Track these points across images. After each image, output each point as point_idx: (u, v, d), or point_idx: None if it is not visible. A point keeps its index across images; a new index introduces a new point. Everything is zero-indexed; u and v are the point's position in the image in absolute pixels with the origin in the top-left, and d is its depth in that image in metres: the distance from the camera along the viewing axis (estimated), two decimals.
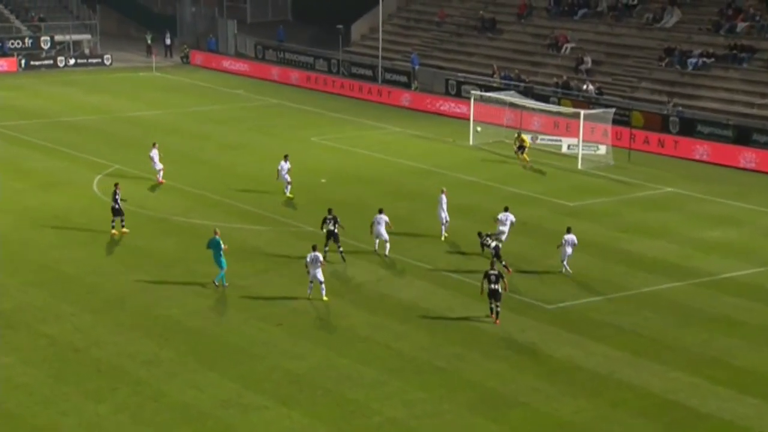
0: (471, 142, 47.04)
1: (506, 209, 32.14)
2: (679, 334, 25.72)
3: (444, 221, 32.98)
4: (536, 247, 32.30)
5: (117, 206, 31.91)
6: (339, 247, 30.22)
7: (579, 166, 43.26)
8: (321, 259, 27.08)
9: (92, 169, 40.45)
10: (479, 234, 30.23)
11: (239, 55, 69.78)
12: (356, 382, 22.71)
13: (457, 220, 34.78)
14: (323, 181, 39.96)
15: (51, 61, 65.66)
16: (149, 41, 70.79)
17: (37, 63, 65.09)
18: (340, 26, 62.85)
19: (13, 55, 64.60)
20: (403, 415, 21.32)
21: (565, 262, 29.67)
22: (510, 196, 38.69)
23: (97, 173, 39.89)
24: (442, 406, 21.78)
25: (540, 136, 47.72)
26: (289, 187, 36.84)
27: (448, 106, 54.33)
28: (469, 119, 48.10)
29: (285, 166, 37.08)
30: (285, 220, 34.63)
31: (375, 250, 30.43)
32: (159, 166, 38.36)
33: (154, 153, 38.49)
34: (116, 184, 32.65)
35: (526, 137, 44.01)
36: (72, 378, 22.47)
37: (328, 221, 30.28)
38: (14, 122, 48.99)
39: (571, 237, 29.65)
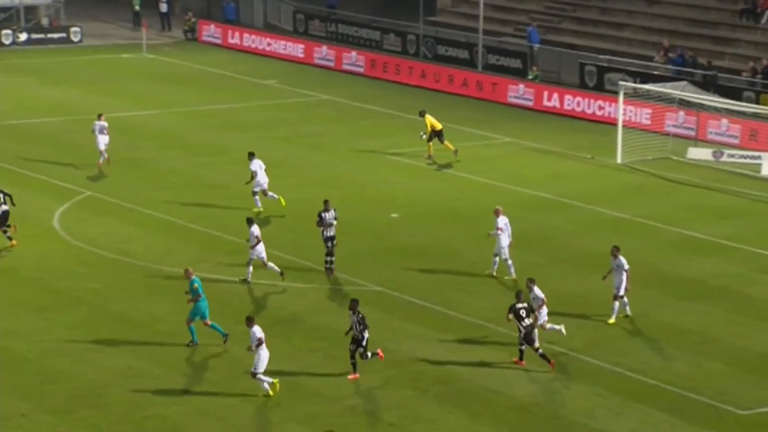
0: (619, 160, 46.80)
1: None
2: None
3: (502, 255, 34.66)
4: (724, 322, 31.97)
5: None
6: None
7: None
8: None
9: (53, 197, 41.19)
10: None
11: (270, 28, 70.71)
12: None
13: (596, 279, 34.45)
14: (394, 216, 40.05)
15: None
16: (137, 6, 72.19)
17: None
18: None
19: None
20: None
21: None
22: (679, 241, 38.32)
23: (60, 203, 40.60)
24: None
25: (726, 151, 47.29)
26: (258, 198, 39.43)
27: (585, 104, 54.22)
28: (616, 124, 47.91)
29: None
30: (337, 274, 34.81)
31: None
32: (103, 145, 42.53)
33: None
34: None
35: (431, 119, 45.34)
36: None
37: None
38: None
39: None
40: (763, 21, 57.19)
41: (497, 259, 34.87)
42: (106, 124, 43.98)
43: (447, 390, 28.19)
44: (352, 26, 67.47)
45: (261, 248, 33.82)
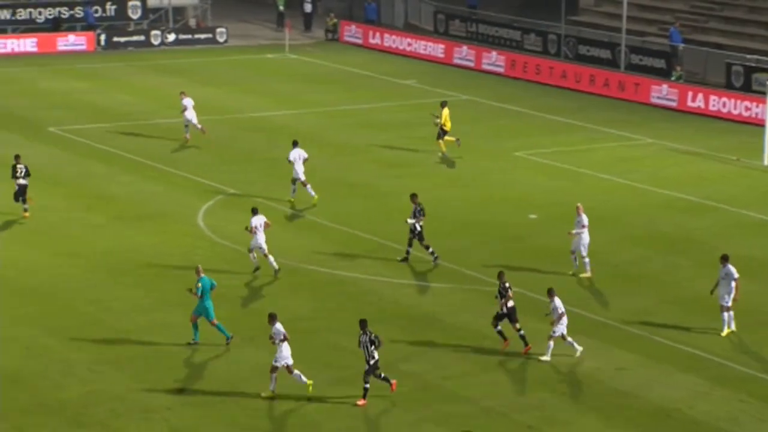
0: (766, 162, 46.11)
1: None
2: None
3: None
4: None
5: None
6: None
7: None
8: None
9: (198, 195, 41.86)
10: None
11: (410, 28, 70.92)
12: None
13: (745, 282, 33.93)
14: (533, 217, 39.92)
15: (142, 37, 68.58)
16: (281, 7, 72.98)
17: (122, 40, 68.11)
18: None
19: (90, 29, 67.68)
20: None
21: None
22: None
23: (204, 201, 41.25)
24: None
25: None
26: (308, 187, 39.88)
27: (731, 104, 53.42)
28: (763, 125, 47.16)
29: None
30: (473, 273, 34.77)
31: None
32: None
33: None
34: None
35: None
36: None
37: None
38: (88, 125, 51.33)
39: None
40: None
41: (584, 258, 34.50)
42: (191, 100, 47.51)
43: (582, 392, 28.06)
44: (493, 26, 67.38)
45: (262, 239, 34.14)
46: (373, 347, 27.07)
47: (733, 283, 31.13)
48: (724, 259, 31.41)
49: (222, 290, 32.77)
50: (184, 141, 48.03)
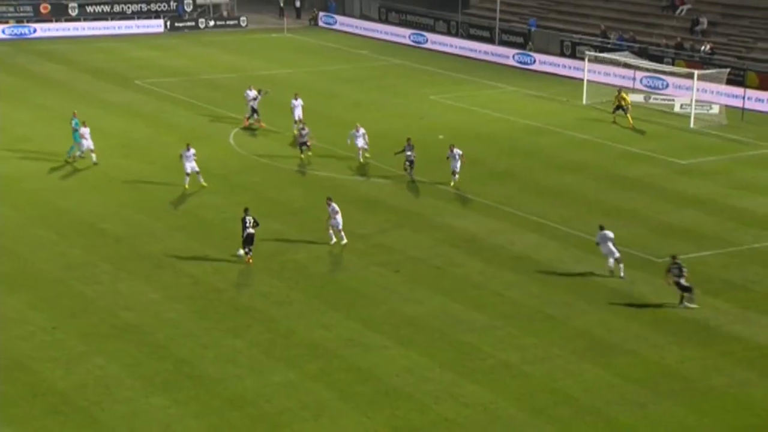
0: (584, 102, 46.09)
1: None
2: None
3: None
4: (647, 204, 31.61)
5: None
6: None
7: (691, 125, 41.91)
8: (337, 209, 27.19)
9: (229, 124, 41.47)
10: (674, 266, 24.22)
11: (364, 17, 69.89)
12: (470, 326, 22.90)
13: (568, 177, 34.33)
14: (441, 137, 39.92)
15: (193, 23, 67.32)
16: (281, 4, 71.66)
17: (180, 24, 66.83)
18: None
19: (159, 17, 66.60)
20: (515, 359, 21.41)
21: (611, 261, 25.29)
22: (622, 153, 37.88)
23: (233, 127, 40.87)
24: (552, 351, 21.76)
25: (652, 96, 46.40)
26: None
27: (564, 66, 53.24)
28: (583, 79, 47.07)
29: (297, 103, 38.49)
30: (405, 174, 34.81)
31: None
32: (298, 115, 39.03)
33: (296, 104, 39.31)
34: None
35: (626, 95, 42.39)
36: (212, 315, 23.38)
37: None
38: (160, 80, 50.54)
39: (604, 234, 25.41)
40: (678, 12, 55.68)
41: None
42: (301, 101, 39.61)
43: (471, 246, 28.11)
44: (416, 15, 66.39)
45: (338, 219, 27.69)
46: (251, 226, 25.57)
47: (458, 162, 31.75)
48: (451, 147, 32.05)
49: (246, 185, 32.47)
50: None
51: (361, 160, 35.63)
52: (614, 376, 20.76)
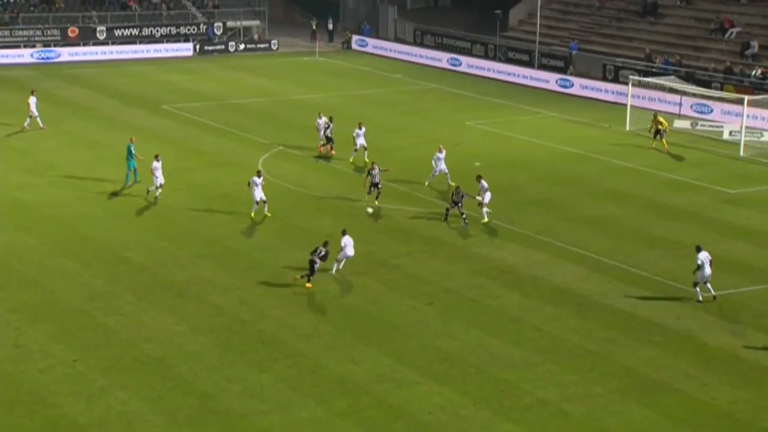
0: (627, 128, 45.82)
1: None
2: None
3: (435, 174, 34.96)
4: (694, 234, 31.20)
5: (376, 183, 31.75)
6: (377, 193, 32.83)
7: (741, 153, 41.46)
8: (351, 242, 27.17)
9: (258, 149, 41.70)
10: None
11: (398, 40, 70.23)
12: (507, 362, 22.63)
13: (610, 206, 34.03)
14: (477, 164, 39.81)
15: (222, 46, 68.01)
16: (314, 27, 72.24)
17: (209, 48, 67.52)
18: (498, 12, 62.26)
19: (188, 41, 67.26)
20: (554, 397, 21.10)
21: (707, 285, 25.91)
22: (667, 182, 37.54)
23: (262, 153, 41.09)
24: (594, 389, 21.41)
25: (700, 122, 46.03)
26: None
27: (606, 91, 53.06)
28: (627, 105, 46.83)
29: (360, 132, 38.28)
30: (440, 202, 34.73)
31: None
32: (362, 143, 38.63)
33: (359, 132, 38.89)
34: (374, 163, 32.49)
35: (664, 119, 42.16)
36: (237, 347, 23.33)
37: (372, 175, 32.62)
38: (188, 104, 51.02)
39: (705, 255, 25.84)
40: (728, 36, 55.33)
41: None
42: (325, 119, 40.05)
43: (511, 277, 27.90)
44: (452, 39, 66.72)
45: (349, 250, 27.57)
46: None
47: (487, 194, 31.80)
48: (478, 178, 32.12)
49: (273, 211, 32.63)
50: (328, 152, 40.03)
51: (450, 183, 35.43)
52: (660, 416, 20.38)
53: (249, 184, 32.63)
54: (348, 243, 27.45)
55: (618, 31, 61.46)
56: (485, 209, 32.14)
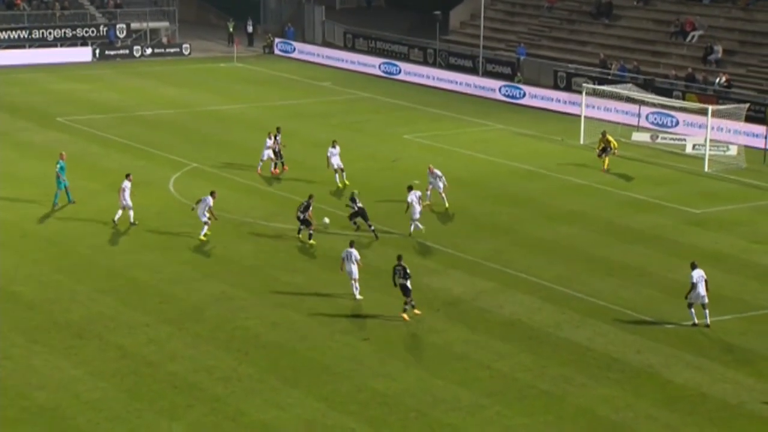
0: (581, 141, 46.53)
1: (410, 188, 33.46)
2: None
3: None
4: (657, 260, 31.74)
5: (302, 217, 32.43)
6: (369, 225, 33.09)
7: (706, 169, 42.39)
8: (357, 257, 27.99)
9: (169, 168, 41.37)
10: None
11: (327, 44, 70.47)
12: (452, 405, 22.69)
13: (565, 228, 34.48)
14: (416, 182, 39.95)
15: (126, 51, 67.42)
16: (231, 29, 72.08)
17: (111, 53, 66.92)
18: (438, 13, 62.93)
19: (86, 45, 66.54)
20: None
21: (705, 311, 26.58)
22: (626, 201, 38.15)
23: (174, 172, 40.78)
24: None
25: (660, 135, 46.99)
26: (344, 174, 38.39)
27: (558, 100, 53.83)
28: (581, 115, 47.55)
29: (334, 151, 38.74)
30: (376, 224, 34.78)
31: None
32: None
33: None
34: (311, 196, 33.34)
35: (612, 138, 42.55)
36: (145, 394, 23.02)
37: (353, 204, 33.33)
38: (87, 116, 50.45)
39: (699, 273, 26.54)
40: (689, 39, 56.68)
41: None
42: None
43: (454, 309, 28.15)
44: (387, 43, 67.15)
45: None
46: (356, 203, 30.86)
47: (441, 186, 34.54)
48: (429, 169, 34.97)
49: (188, 239, 32.37)
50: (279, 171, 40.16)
51: (339, 184, 37.84)
52: None
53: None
54: (349, 256, 28.09)
55: (570, 35, 62.55)
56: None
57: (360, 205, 33.27)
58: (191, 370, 24.15)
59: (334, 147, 39.12)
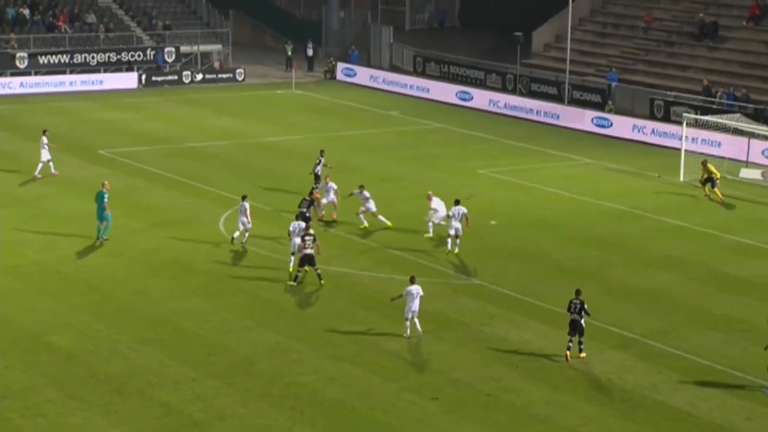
0: (681, 178, 46.14)
1: (457, 202, 35.77)
2: None
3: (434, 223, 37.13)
4: (767, 313, 31.28)
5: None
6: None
7: None
8: (421, 293, 28.76)
9: (220, 205, 41.84)
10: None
11: (395, 69, 71.03)
12: None
13: (661, 276, 34.13)
14: (493, 223, 39.94)
15: (175, 77, 68.66)
16: (289, 53, 73.07)
17: (159, 78, 68.16)
18: (519, 34, 63.09)
19: (132, 70, 67.85)
20: None
21: None
22: (733, 246, 37.69)
23: (225, 209, 41.23)
24: None
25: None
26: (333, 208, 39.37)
27: (654, 131, 53.57)
28: (680, 149, 47.23)
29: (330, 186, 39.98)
30: (446, 270, 34.77)
31: None
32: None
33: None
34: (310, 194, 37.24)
35: (714, 168, 42.69)
36: None
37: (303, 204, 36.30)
38: (131, 148, 51.33)
39: None
40: None
41: (437, 222, 37.30)
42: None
43: (533, 365, 28.03)
44: (462, 67, 67.52)
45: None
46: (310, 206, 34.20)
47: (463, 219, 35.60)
48: (456, 202, 35.98)
49: (239, 282, 32.64)
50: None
51: (334, 216, 39.24)
52: None
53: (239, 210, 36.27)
54: (411, 293, 28.86)
55: (668, 58, 62.23)
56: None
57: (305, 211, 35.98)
58: (240, 430, 24.26)
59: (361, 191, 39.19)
